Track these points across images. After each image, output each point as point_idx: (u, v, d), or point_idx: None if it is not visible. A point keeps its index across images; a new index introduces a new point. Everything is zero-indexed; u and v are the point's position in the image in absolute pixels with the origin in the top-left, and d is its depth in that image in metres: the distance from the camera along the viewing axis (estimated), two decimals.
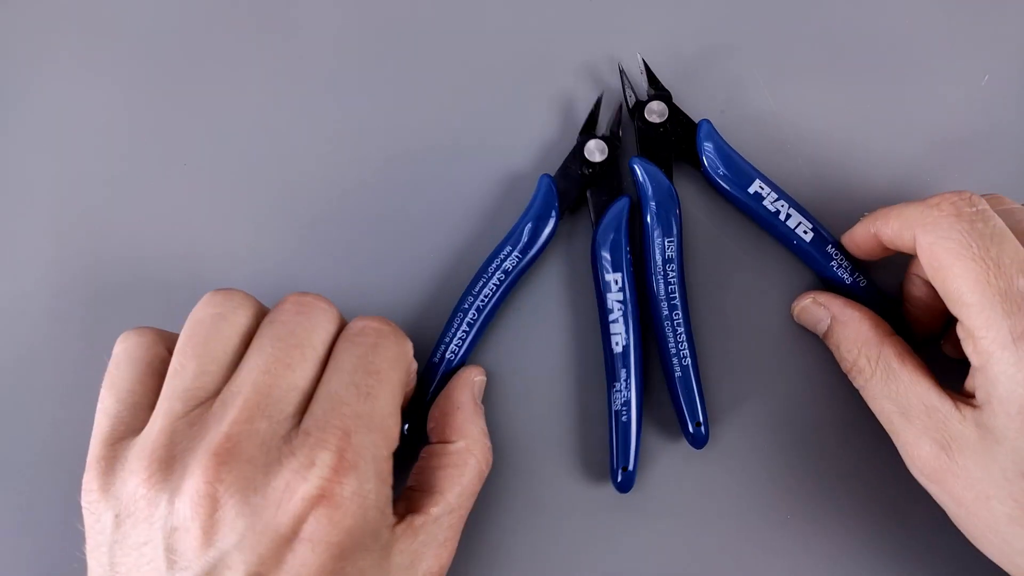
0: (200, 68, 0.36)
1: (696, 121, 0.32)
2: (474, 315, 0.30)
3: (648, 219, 0.31)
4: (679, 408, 0.29)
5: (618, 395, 0.29)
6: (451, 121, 0.35)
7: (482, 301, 0.30)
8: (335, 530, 0.22)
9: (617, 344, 0.29)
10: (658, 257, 0.30)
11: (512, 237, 0.31)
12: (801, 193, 0.32)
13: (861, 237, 0.29)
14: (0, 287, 0.33)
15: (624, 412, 0.29)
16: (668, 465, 0.30)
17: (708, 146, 0.32)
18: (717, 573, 0.30)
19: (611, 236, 0.31)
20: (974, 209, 0.24)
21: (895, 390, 0.26)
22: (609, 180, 0.32)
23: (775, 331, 0.32)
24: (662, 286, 0.30)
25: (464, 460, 0.27)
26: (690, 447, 0.30)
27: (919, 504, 0.27)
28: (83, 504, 0.24)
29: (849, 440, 0.30)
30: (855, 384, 0.28)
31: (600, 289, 0.30)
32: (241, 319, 0.26)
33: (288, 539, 0.22)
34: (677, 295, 0.30)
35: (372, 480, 0.23)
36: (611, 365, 0.30)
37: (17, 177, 0.35)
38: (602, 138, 0.32)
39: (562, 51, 0.35)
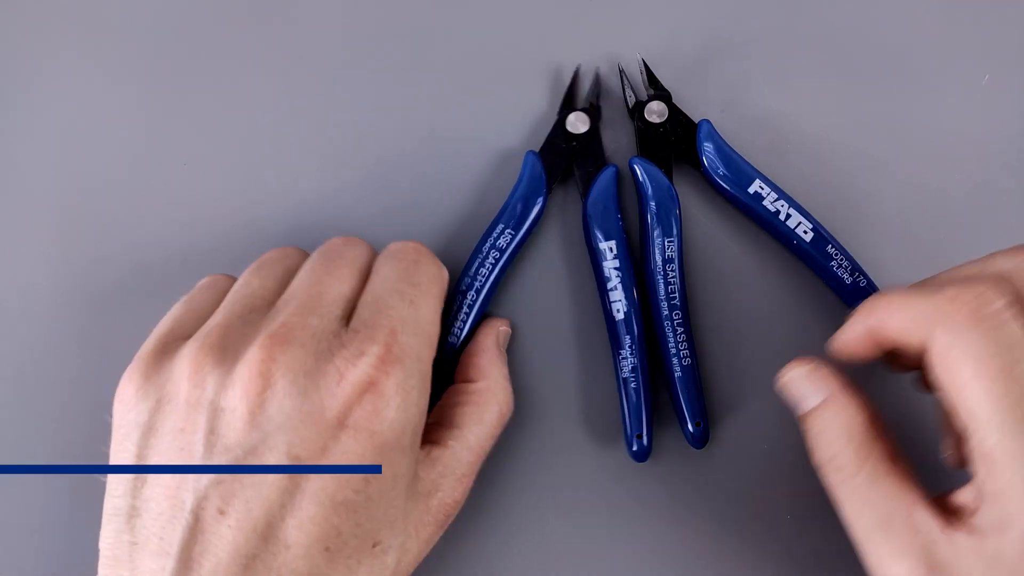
0: (201, 67, 0.36)
1: (696, 121, 0.32)
2: (473, 296, 0.30)
3: (648, 219, 0.31)
4: (679, 408, 0.29)
5: (624, 362, 0.29)
6: (450, 121, 0.35)
7: (479, 281, 0.30)
8: (379, 419, 0.23)
9: (618, 312, 0.30)
10: (658, 257, 0.30)
11: (504, 215, 0.31)
12: (801, 193, 0.32)
13: (856, 338, 0.25)
14: (0, 286, 0.33)
15: (633, 379, 0.29)
16: (668, 465, 0.30)
17: (708, 146, 0.32)
18: (717, 573, 0.30)
19: (601, 206, 0.31)
20: (996, 307, 0.21)
21: (877, 497, 0.23)
22: (593, 151, 0.33)
23: (775, 331, 0.32)
24: (662, 286, 0.30)
25: (485, 399, 0.28)
26: (690, 447, 0.30)
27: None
28: (116, 402, 0.25)
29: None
30: (827, 479, 0.24)
31: (595, 259, 0.31)
32: (297, 259, 0.28)
33: (333, 426, 0.23)
34: (677, 295, 0.30)
35: (416, 377, 0.24)
36: (614, 333, 0.30)
37: (17, 176, 0.35)
38: (583, 110, 0.33)
39: (562, 51, 0.35)
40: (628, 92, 0.34)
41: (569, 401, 0.31)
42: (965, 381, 0.21)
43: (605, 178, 0.31)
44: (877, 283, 0.31)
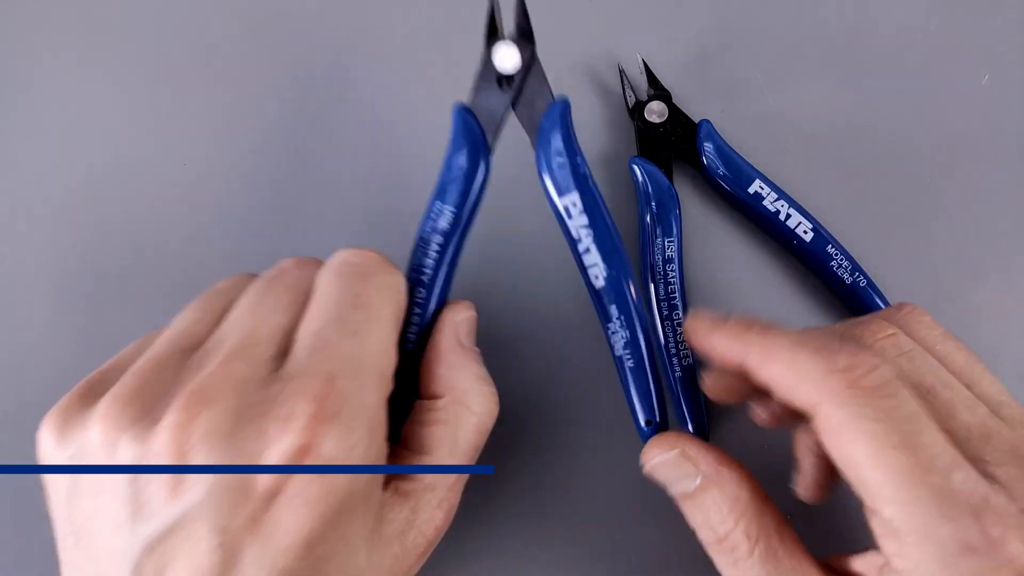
0: (201, 67, 0.36)
1: (696, 121, 0.32)
2: (423, 294, 0.25)
3: (648, 219, 0.31)
4: (679, 408, 0.29)
5: (616, 337, 0.25)
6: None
7: (426, 275, 0.25)
8: (317, 487, 0.20)
9: (597, 278, 0.25)
10: (658, 257, 0.30)
11: (440, 191, 0.25)
12: (801, 193, 0.32)
13: (722, 381, 0.25)
14: (0, 285, 0.33)
15: (629, 356, 0.25)
16: None
17: (708, 146, 0.32)
18: (716, 572, 0.29)
19: (552, 153, 0.25)
20: (887, 379, 0.20)
21: (774, 574, 0.22)
22: (534, 88, 0.26)
23: None
24: (662, 286, 0.30)
25: (455, 415, 0.24)
26: None
27: None
28: (38, 446, 0.22)
29: None
30: (718, 560, 0.23)
31: (560, 219, 0.25)
32: (245, 288, 0.24)
33: (264, 497, 0.19)
34: (677, 295, 0.30)
35: (360, 430, 0.21)
36: (599, 303, 0.25)
37: (17, 176, 0.35)
38: (511, 40, 0.26)
39: (562, 51, 0.35)
40: (628, 92, 0.34)
41: (566, 390, 0.31)
42: (864, 458, 0.20)
43: (552, 117, 0.25)
44: (877, 283, 0.31)
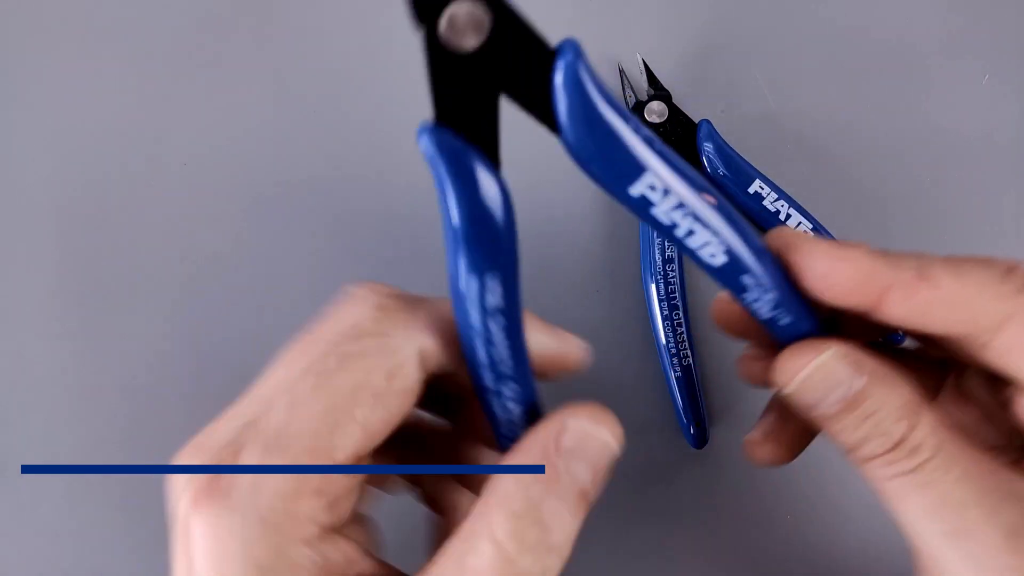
0: (200, 67, 0.36)
1: (696, 121, 0.32)
2: (508, 393, 0.19)
3: None
4: (679, 408, 0.29)
5: (759, 304, 0.19)
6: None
7: (506, 366, 0.18)
8: None
9: (713, 256, 0.18)
10: (658, 257, 0.30)
11: (466, 254, 0.17)
12: (801, 193, 0.32)
13: (849, 282, 0.19)
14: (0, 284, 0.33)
15: (783, 314, 0.19)
16: (668, 465, 0.30)
17: (708, 146, 0.32)
18: (717, 572, 0.30)
19: (596, 120, 0.17)
20: None
21: (957, 480, 0.18)
22: (526, 57, 0.17)
23: None
24: (662, 286, 0.30)
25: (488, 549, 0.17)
26: (690, 447, 0.30)
27: None
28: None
29: None
30: (892, 470, 0.19)
31: (636, 206, 0.17)
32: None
33: None
34: (677, 295, 0.30)
35: (249, 526, 0.16)
36: (724, 280, 0.19)
37: (17, 176, 0.35)
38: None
39: None
40: (628, 92, 0.34)
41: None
42: None
43: (569, 73, 0.17)
44: None
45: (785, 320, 0.19)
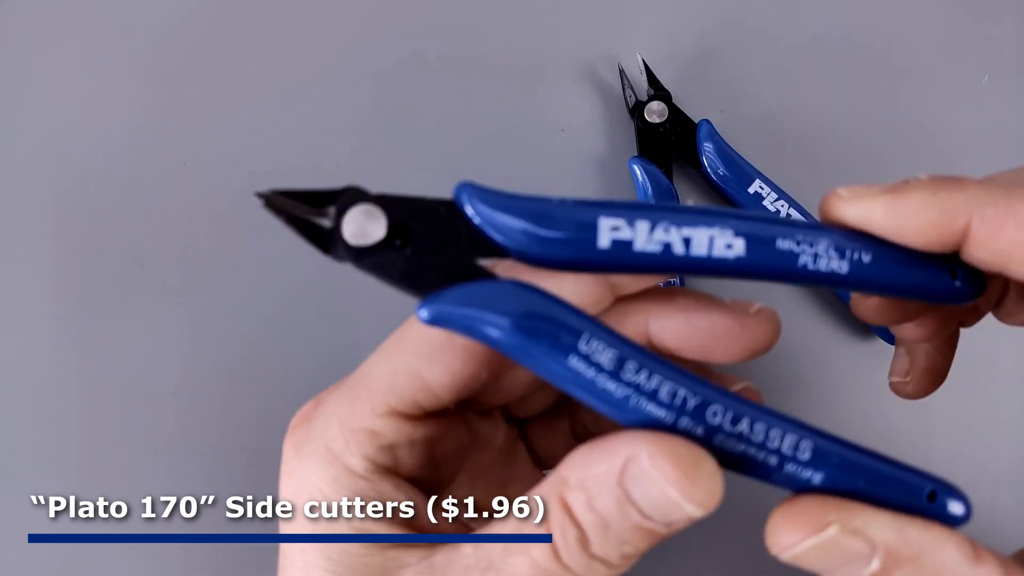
0: (200, 67, 0.36)
1: (696, 121, 0.32)
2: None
3: None
4: None
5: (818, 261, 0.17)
6: (450, 121, 0.35)
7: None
8: None
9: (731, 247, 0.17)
10: None
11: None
12: (801, 193, 0.32)
13: (925, 222, 0.17)
14: None
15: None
16: None
17: (708, 146, 0.32)
18: (717, 573, 0.29)
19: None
20: None
21: None
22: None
23: None
24: (662, 286, 0.30)
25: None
26: None
27: None
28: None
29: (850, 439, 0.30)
30: None
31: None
32: None
33: None
34: None
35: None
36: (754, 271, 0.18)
37: (16, 175, 0.35)
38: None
39: (562, 51, 0.35)
40: (628, 92, 0.34)
41: None
42: None
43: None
44: None
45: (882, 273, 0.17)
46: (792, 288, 0.32)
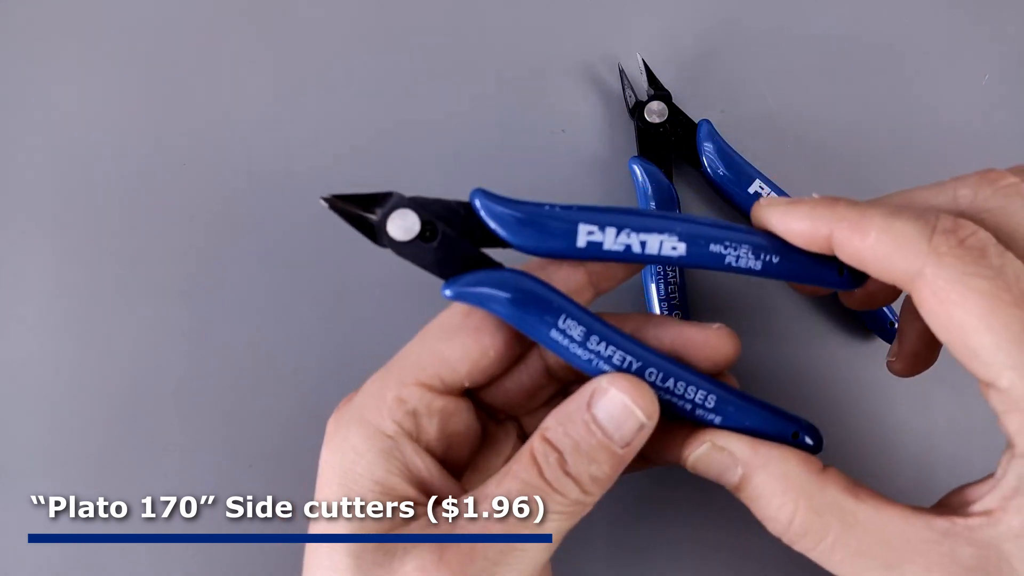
0: (200, 67, 0.36)
1: (696, 121, 0.32)
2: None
3: None
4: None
5: (740, 258, 0.23)
6: (451, 121, 0.35)
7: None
8: None
9: (675, 249, 0.23)
10: None
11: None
12: (801, 193, 0.32)
13: (806, 231, 0.22)
14: None
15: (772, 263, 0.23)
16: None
17: (708, 146, 0.32)
18: (717, 573, 0.30)
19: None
20: (991, 243, 0.19)
21: (864, 540, 0.20)
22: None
23: (775, 331, 0.32)
24: (662, 286, 0.30)
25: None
26: None
27: (925, 502, 0.27)
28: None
29: (850, 439, 0.30)
30: (798, 549, 0.21)
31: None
32: None
33: None
34: (677, 295, 0.30)
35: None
36: (697, 263, 0.23)
37: (16, 175, 0.35)
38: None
39: (562, 51, 0.35)
40: (628, 92, 0.34)
41: None
42: (975, 321, 0.18)
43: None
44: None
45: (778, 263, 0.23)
46: (792, 289, 0.32)
